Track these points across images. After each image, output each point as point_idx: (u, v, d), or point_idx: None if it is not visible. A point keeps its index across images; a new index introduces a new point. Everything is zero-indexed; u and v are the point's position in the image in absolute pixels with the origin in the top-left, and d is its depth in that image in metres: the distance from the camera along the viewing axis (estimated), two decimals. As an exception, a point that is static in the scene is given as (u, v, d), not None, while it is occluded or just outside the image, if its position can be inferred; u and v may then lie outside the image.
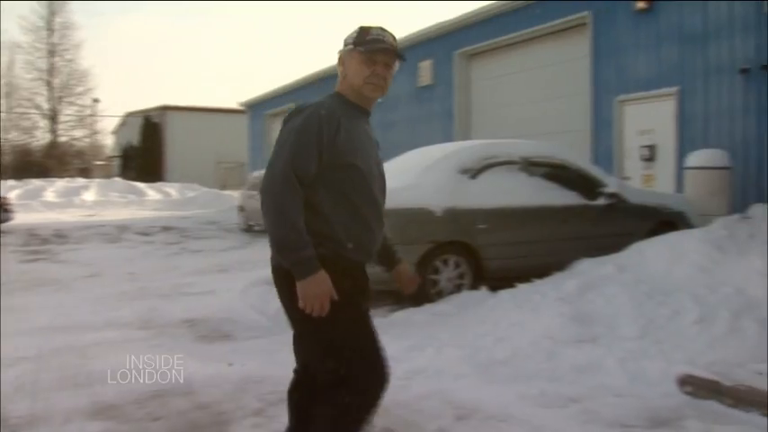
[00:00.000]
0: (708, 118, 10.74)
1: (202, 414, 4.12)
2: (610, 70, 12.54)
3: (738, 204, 9.30)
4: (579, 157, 8.45)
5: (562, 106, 13.67)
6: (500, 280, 6.76)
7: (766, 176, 9.94)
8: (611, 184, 7.78)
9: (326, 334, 2.64)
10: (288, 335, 6.29)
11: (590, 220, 7.55)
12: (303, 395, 2.89)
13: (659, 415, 3.93)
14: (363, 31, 2.77)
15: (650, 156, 11.57)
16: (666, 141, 11.34)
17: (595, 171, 8.05)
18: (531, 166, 7.51)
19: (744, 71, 10.17)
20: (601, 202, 7.60)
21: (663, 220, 7.92)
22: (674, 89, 11.26)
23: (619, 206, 7.68)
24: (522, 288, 6.18)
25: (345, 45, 2.78)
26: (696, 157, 9.56)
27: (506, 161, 7.41)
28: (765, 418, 3.72)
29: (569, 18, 13.44)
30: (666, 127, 11.33)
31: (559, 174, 7.63)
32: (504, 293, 6.21)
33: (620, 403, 4.13)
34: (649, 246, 6.51)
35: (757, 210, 8.72)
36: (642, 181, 11.61)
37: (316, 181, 2.61)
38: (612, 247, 6.81)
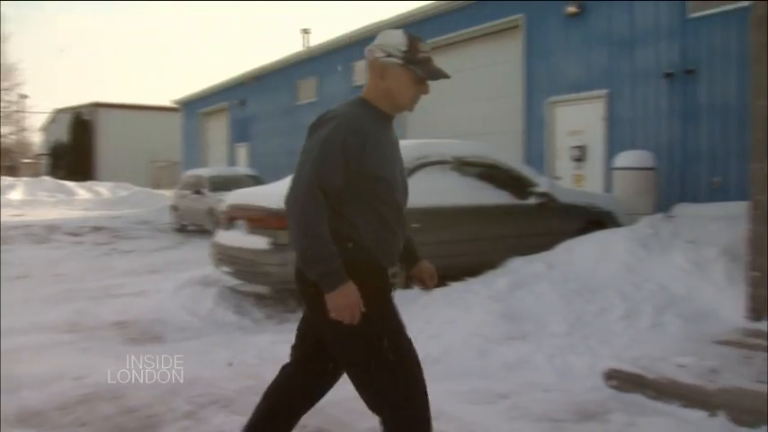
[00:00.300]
0: (635, 120, 11.05)
1: (130, 418, 4.03)
2: (542, 72, 12.77)
3: (663, 203, 9.60)
4: (511, 157, 8.58)
5: (496, 107, 13.85)
6: (433, 279, 6.79)
7: (689, 177, 10.28)
8: (542, 184, 7.92)
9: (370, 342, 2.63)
10: (219, 335, 6.24)
11: (521, 220, 7.67)
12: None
13: (586, 409, 4.01)
14: (413, 47, 2.67)
15: (580, 156, 11.84)
16: (596, 142, 11.62)
17: (527, 171, 8.18)
18: (463, 165, 7.59)
19: (668, 75, 10.51)
20: (532, 201, 7.73)
21: (592, 219, 8.10)
22: (603, 92, 11.55)
23: (549, 205, 7.82)
24: (454, 286, 6.23)
25: (388, 55, 2.66)
26: (624, 158, 9.83)
27: (439, 161, 7.46)
28: (686, 410, 3.84)
29: (503, 20, 13.64)
30: (596, 128, 11.61)
31: (491, 173, 7.73)
32: (437, 292, 6.23)
33: (548, 398, 4.21)
34: (578, 244, 6.67)
35: (681, 209, 9.04)
36: (573, 181, 11.87)
37: (343, 191, 2.57)
38: (543, 245, 6.94)
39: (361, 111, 2.67)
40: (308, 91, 20.97)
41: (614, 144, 11.18)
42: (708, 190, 9.89)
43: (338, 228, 2.56)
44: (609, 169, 10.53)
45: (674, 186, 10.28)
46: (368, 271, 2.61)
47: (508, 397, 4.24)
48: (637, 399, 4.09)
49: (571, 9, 12.09)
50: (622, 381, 4.21)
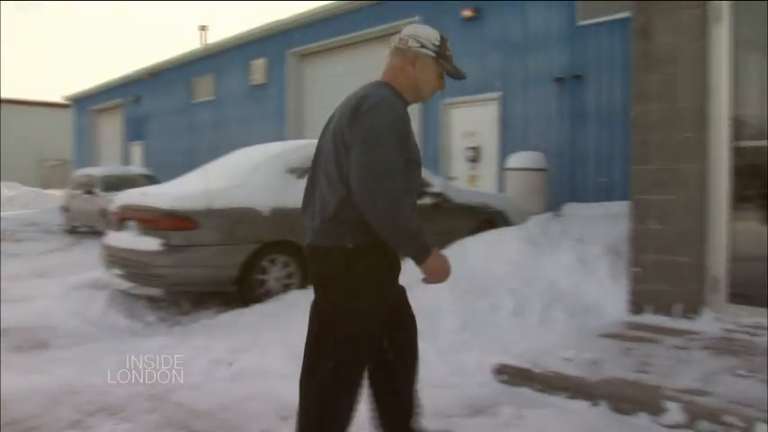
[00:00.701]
0: (527, 122, 11.38)
1: (11, 430, 3.84)
2: (438, 74, 12.96)
3: (554, 203, 9.93)
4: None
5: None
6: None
7: (578, 177, 10.67)
8: (437, 184, 8.04)
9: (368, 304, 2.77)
10: (109, 340, 6.02)
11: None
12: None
13: (476, 403, 4.08)
14: (444, 44, 2.89)
15: (475, 157, 12.10)
16: (490, 143, 11.90)
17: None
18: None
19: (558, 80, 10.89)
20: (426, 201, 7.83)
21: (485, 219, 8.29)
22: (496, 94, 11.85)
23: (444, 205, 7.95)
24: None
25: (422, 46, 2.84)
26: (516, 159, 10.11)
27: (336, 161, 7.47)
28: (571, 401, 3.96)
29: (400, 22, 13.73)
30: (490, 130, 11.90)
31: (387, 174, 7.80)
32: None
33: (439, 394, 4.25)
34: (471, 243, 6.81)
35: (569, 208, 9.36)
36: (467, 181, 12.11)
37: None
38: (438, 245, 6.98)
39: (394, 96, 2.79)
40: (204, 89, 20.59)
41: (507, 145, 11.49)
42: (595, 190, 10.30)
43: None
44: (502, 170, 10.80)
45: (564, 186, 10.66)
46: (383, 250, 2.73)
47: (399, 394, 4.27)
48: (525, 392, 4.19)
49: (467, 13, 12.35)
50: (511, 375, 4.31)
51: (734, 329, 4.91)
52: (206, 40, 24.31)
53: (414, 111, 11.81)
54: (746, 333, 4.84)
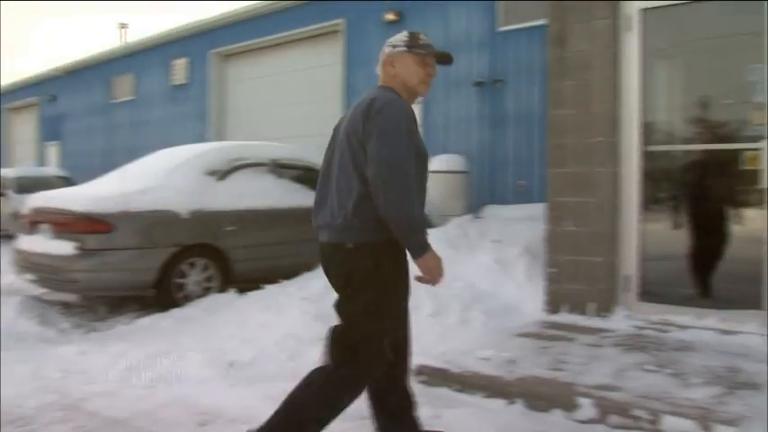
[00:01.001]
0: (448, 126, 11.52)
1: None
2: (361, 77, 12.99)
3: (474, 205, 10.08)
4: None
5: (316, 110, 13.93)
6: (249, 282, 6.74)
7: (498, 180, 10.86)
8: (358, 187, 8.05)
9: (383, 303, 2.92)
10: (20, 348, 5.75)
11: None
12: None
13: (395, 405, 4.10)
14: (414, 36, 3.06)
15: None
16: (412, 146, 11.97)
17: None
18: (279, 168, 7.59)
19: (479, 84, 11.07)
20: (349, 203, 7.84)
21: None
22: (418, 98, 11.92)
23: (366, 208, 7.97)
24: (269, 289, 6.21)
25: (394, 47, 3.05)
26: (437, 162, 10.18)
27: (255, 163, 7.42)
28: (488, 400, 4.03)
29: (324, 24, 13.76)
30: (412, 133, 11.97)
31: (308, 176, 7.76)
32: (252, 295, 6.20)
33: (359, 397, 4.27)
34: (391, 245, 6.84)
35: (489, 210, 9.52)
36: (389, 184, 12.15)
37: None
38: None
39: (398, 96, 2.95)
40: (124, 88, 20.06)
41: (429, 148, 11.50)
42: (514, 192, 10.50)
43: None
44: (424, 173, 10.89)
45: (485, 189, 10.83)
46: (398, 246, 2.87)
47: (320, 397, 4.26)
48: (443, 392, 4.22)
49: (389, 16, 12.43)
50: (430, 376, 4.34)
51: (644, 326, 5.10)
52: (126, 39, 23.74)
53: (336, 114, 11.84)
54: (655, 329, 5.03)
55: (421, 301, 5.55)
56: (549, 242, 5.64)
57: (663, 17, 5.39)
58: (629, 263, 5.41)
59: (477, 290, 5.83)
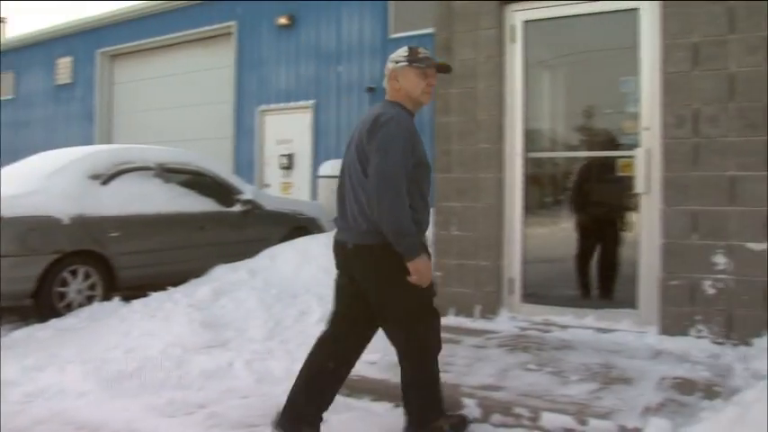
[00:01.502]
0: (340, 130, 11.57)
1: None
2: (253, 80, 12.88)
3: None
4: (218, 164, 8.50)
5: (206, 113, 13.70)
6: (135, 289, 6.54)
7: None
8: (248, 192, 7.96)
9: (412, 299, 3.22)
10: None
11: (226, 227, 7.65)
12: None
13: (282, 411, 4.06)
14: (414, 51, 3.34)
15: (288, 164, 12.12)
16: (304, 151, 11.97)
17: (232, 178, 8.18)
18: (167, 172, 7.39)
19: (370, 89, 11.15)
20: (237, 208, 7.73)
21: (297, 226, 8.31)
22: (310, 102, 11.93)
23: (254, 213, 7.89)
24: (155, 296, 6.04)
25: (397, 63, 3.33)
26: (328, 167, 10.23)
27: (141, 167, 7.19)
28: (375, 403, 4.05)
29: (216, 26, 13.55)
30: (304, 137, 11.97)
31: (196, 180, 7.63)
32: (137, 303, 6.00)
33: (246, 404, 4.20)
34: (281, 250, 6.80)
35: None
36: (281, 188, 12.10)
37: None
38: (248, 252, 6.99)
39: (402, 110, 3.25)
40: (3, 87, 19.00)
41: (321, 153, 11.61)
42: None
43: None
44: (315, 177, 10.89)
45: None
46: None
47: (206, 406, 4.16)
48: (331, 397, 4.23)
49: (282, 20, 12.36)
50: (318, 381, 4.33)
51: (527, 327, 5.26)
52: (5, 34, 22.52)
53: (227, 118, 11.70)
54: (538, 330, 5.19)
55: (309, 305, 5.54)
56: (436, 246, 5.73)
57: (545, 29, 5.60)
58: (514, 266, 5.57)
59: (366, 294, 5.88)
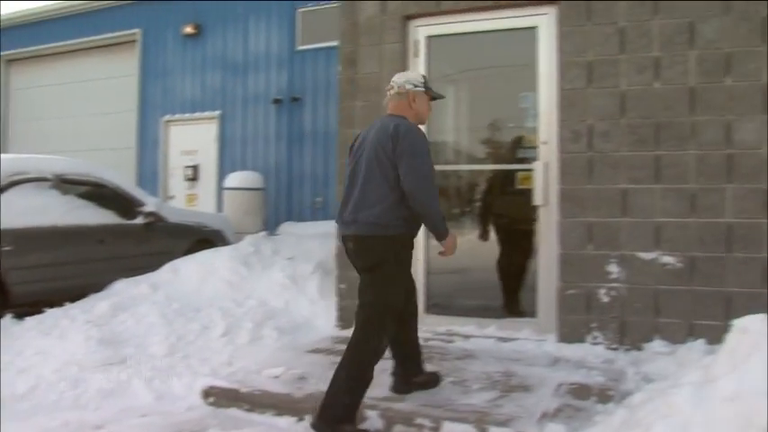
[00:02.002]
0: (246, 142, 11.46)
1: None
2: (157, 90, 12.60)
3: (272, 222, 10.07)
4: (119, 175, 8.24)
5: (108, 123, 13.31)
6: (30, 306, 6.25)
7: (295, 197, 10.93)
8: (150, 204, 7.76)
9: (406, 278, 3.87)
10: None
11: (128, 240, 7.43)
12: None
13: (183, 429, 3.97)
14: (426, 79, 4.00)
15: (194, 176, 11.91)
16: (209, 162, 11.79)
17: (134, 190, 7.96)
18: (64, 183, 7.10)
19: (276, 101, 11.11)
20: (139, 221, 7.53)
21: (201, 239, 8.16)
22: (216, 113, 11.77)
23: (157, 225, 7.70)
24: (50, 313, 5.79)
25: (415, 87, 3.91)
26: (233, 179, 10.11)
27: (37, 178, 6.88)
28: (278, 418, 4.02)
29: (119, 33, 13.19)
30: (209, 149, 11.79)
31: (96, 192, 7.37)
32: (31, 320, 5.73)
33: (145, 423, 4.09)
34: (184, 264, 6.66)
35: (286, 227, 9.55)
36: (186, 200, 11.88)
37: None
38: (150, 266, 6.80)
39: (412, 123, 3.80)
40: None
41: (226, 164, 11.47)
42: (311, 209, 10.62)
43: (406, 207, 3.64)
44: (221, 189, 10.74)
45: (282, 206, 10.87)
46: (411, 237, 3.80)
47: (103, 426, 4.03)
48: (233, 413, 4.16)
49: (188, 29, 12.16)
50: (219, 397, 4.26)
51: (431, 337, 5.32)
52: None
53: (130, 127, 11.37)
54: (441, 340, 5.27)
55: (212, 320, 5.46)
56: (338, 258, 5.74)
57: (448, 44, 5.72)
58: (417, 277, 5.61)
59: (269, 307, 5.83)
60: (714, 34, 4.86)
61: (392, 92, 3.95)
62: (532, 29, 5.41)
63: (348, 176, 3.85)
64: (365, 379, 3.62)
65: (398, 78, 3.97)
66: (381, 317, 3.68)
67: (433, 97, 4.03)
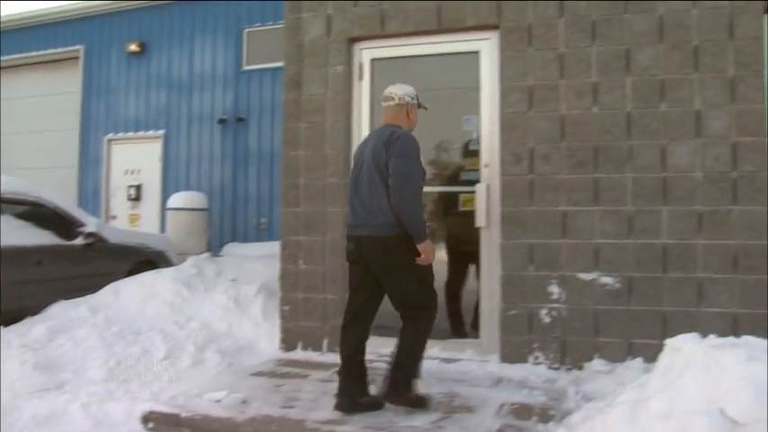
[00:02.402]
0: (191, 161, 11.34)
1: None
2: (100, 108, 12.41)
3: (216, 243, 9.97)
4: (58, 194, 8.04)
5: (49, 140, 13.02)
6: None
7: (239, 217, 10.85)
8: (91, 224, 7.59)
9: (424, 276, 4.10)
10: None
11: (67, 261, 7.24)
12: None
13: (120, 455, 3.90)
14: (417, 94, 4.33)
15: (137, 195, 11.72)
16: (153, 182, 11.62)
17: (74, 210, 7.77)
18: (1, 202, 6.89)
19: (222, 121, 11.05)
20: (79, 241, 7.36)
21: (143, 260, 8.02)
22: (160, 132, 11.63)
23: (98, 246, 7.53)
24: (-17, 337, 5.61)
25: (412, 99, 4.28)
26: (177, 199, 9.99)
27: (-28, 197, 6.68)
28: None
29: (62, 50, 12.95)
30: (153, 168, 11.63)
31: (34, 212, 7.17)
32: (-38, 345, 5.55)
33: (81, 450, 4.00)
34: (124, 285, 6.53)
35: (230, 248, 9.45)
36: (128, 220, 11.68)
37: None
38: (90, 288, 6.65)
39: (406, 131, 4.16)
40: None
41: (170, 184, 11.33)
42: (256, 230, 10.55)
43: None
44: (164, 209, 10.59)
45: (227, 227, 10.77)
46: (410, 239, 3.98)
47: (35, 455, 3.93)
48: (173, 438, 4.10)
49: (133, 47, 12.02)
50: (159, 422, 4.18)
51: (375, 359, 5.26)
52: None
53: (73, 145, 11.11)
54: (384, 362, 5.20)
55: (153, 343, 5.35)
56: (283, 280, 5.71)
57: (392, 67, 5.75)
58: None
59: (212, 330, 5.75)
60: (649, 62, 5.02)
61: (392, 103, 4.26)
62: (475, 53, 5.50)
63: (350, 183, 4.21)
64: (423, 355, 4.20)
65: (398, 91, 4.28)
66: (427, 299, 4.14)
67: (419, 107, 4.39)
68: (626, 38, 5.08)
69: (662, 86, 4.99)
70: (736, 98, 4.87)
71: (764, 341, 3.15)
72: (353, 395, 4.13)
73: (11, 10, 13.55)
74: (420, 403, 4.11)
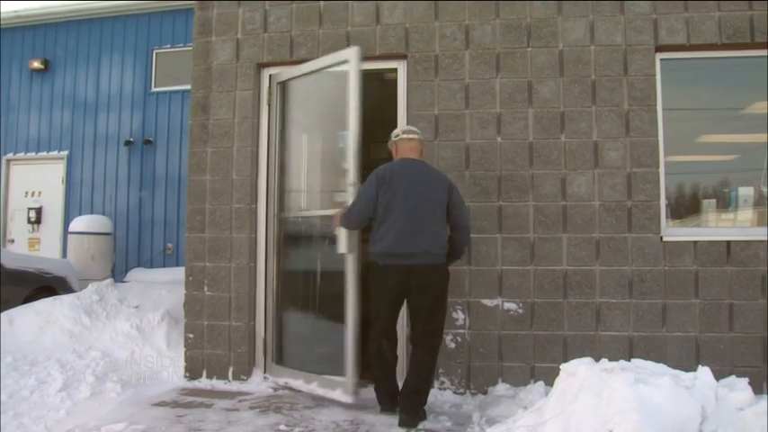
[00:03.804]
0: (95, 184, 11.02)
1: None
2: (2, 126, 11.91)
3: (121, 269, 9.69)
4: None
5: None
6: None
7: (145, 242, 10.59)
8: (-15, 249, 7.28)
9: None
10: None
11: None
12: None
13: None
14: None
15: (37, 218, 11.28)
16: (55, 205, 11.22)
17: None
18: None
19: (128, 143, 10.78)
20: (-29, 267, 7.04)
21: (42, 286, 7.71)
22: (63, 153, 11.27)
23: (-8, 272, 7.22)
24: None
25: (396, 137, 4.73)
26: (80, 222, 9.68)
27: None
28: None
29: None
30: (55, 190, 11.24)
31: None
32: None
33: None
34: (19, 313, 6.26)
35: (135, 274, 9.21)
36: (28, 244, 11.22)
37: None
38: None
39: None
40: None
41: (73, 207, 10.96)
42: (162, 256, 10.31)
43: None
44: (66, 233, 10.24)
45: (132, 252, 10.49)
46: None
47: None
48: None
49: (36, 64, 11.61)
50: (52, 457, 4.02)
51: (280, 387, 5.26)
52: None
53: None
54: (291, 389, 5.21)
55: (50, 373, 5.14)
56: (188, 307, 5.60)
57: (297, 88, 5.71)
58: (267, 326, 5.58)
59: (113, 359, 5.57)
60: (550, 94, 5.21)
61: (417, 137, 4.69)
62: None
63: (387, 207, 4.42)
64: None
65: (414, 128, 4.81)
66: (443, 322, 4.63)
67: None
68: (528, 71, 5.25)
69: (562, 118, 5.18)
70: (631, 131, 5.11)
71: (652, 363, 3.29)
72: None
73: None
74: (423, 416, 4.49)
